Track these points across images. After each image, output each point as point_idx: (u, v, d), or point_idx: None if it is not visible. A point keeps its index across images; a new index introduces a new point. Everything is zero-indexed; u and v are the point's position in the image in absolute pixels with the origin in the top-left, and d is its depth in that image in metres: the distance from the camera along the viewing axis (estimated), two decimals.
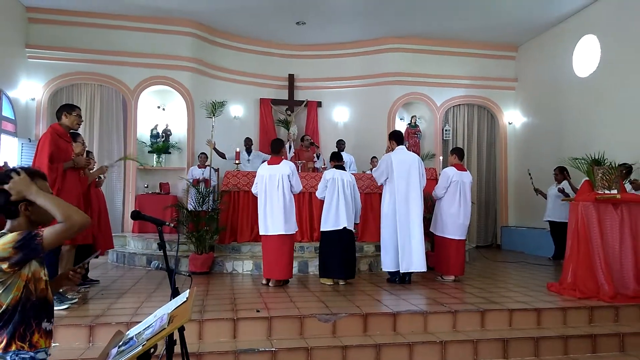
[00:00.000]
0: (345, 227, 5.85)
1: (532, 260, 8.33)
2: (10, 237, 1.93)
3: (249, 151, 9.55)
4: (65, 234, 1.96)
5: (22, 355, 1.94)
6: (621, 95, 7.91)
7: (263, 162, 6.30)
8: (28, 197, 2.01)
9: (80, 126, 4.94)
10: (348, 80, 11.13)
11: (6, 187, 2.00)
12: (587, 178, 5.51)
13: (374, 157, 9.48)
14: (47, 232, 1.93)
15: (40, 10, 9.09)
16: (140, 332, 2.07)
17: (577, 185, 7.57)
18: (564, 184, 8.13)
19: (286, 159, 6.72)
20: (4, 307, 1.94)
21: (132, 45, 9.57)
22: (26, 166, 2.23)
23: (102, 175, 5.96)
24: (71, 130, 4.87)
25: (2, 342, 1.94)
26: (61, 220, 1.93)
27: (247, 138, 9.69)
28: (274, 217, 5.68)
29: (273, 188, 5.73)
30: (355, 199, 6.13)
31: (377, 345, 3.94)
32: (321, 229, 6.03)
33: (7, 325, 1.95)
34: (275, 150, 5.99)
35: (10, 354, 1.94)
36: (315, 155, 9.54)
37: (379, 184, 6.27)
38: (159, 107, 10.23)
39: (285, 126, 10.72)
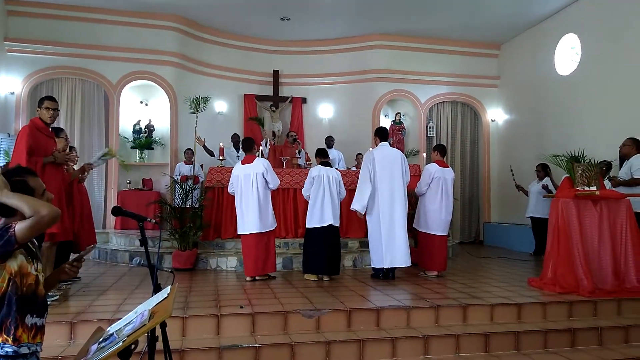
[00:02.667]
0: (330, 225, 5.86)
1: (513, 256, 8.43)
2: None
3: (237, 148, 9.45)
4: (36, 226, 1.95)
5: (6, 349, 1.93)
6: (601, 93, 8.03)
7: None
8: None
9: (55, 119, 4.67)
10: (333, 77, 11.14)
11: None
12: (567, 175, 5.60)
13: (359, 153, 9.49)
14: (19, 225, 1.93)
15: (19, 2, 8.89)
16: (120, 329, 2.07)
17: (557, 182, 7.71)
18: (547, 180, 8.26)
19: (262, 156, 6.69)
20: None
21: (115, 39, 9.42)
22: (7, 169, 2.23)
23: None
24: (53, 125, 4.77)
25: None
26: (30, 215, 1.93)
27: (235, 134, 9.60)
28: (249, 216, 5.73)
29: (248, 187, 5.76)
30: (341, 195, 6.13)
31: (360, 340, 3.96)
32: (306, 226, 6.02)
33: None
34: (247, 148, 6.01)
35: None
36: (297, 151, 9.52)
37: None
38: (141, 102, 10.09)
39: (260, 123, 10.66)
